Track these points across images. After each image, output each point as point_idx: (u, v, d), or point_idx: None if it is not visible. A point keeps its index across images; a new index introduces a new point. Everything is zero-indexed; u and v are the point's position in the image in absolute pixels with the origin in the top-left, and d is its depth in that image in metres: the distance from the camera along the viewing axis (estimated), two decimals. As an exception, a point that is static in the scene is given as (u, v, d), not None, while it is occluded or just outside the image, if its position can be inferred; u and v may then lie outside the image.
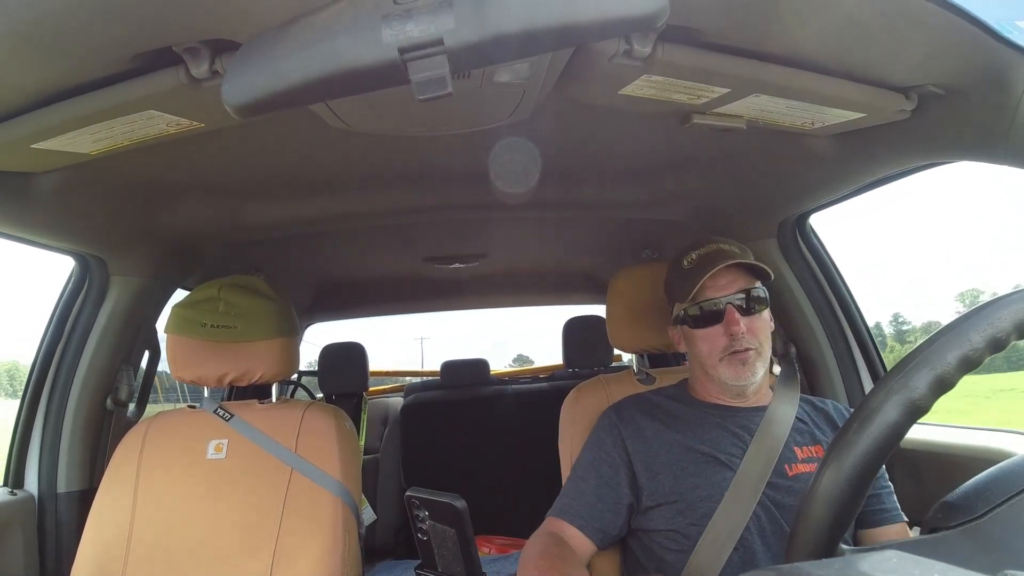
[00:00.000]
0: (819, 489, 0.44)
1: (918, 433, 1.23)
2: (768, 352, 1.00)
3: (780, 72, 0.74)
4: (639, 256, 1.84)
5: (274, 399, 1.26)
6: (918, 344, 0.45)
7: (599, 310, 2.60)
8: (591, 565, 0.98)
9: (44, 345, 1.31)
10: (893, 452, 0.44)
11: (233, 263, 1.66)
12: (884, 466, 0.54)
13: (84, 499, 1.26)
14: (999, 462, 0.46)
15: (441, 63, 0.45)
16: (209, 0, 0.56)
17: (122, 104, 0.70)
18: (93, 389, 1.33)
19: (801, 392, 1.05)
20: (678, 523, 0.93)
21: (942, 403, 0.44)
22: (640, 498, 0.97)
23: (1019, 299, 0.43)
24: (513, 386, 2.59)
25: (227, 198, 1.28)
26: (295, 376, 2.58)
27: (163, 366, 1.47)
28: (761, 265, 0.98)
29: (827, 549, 0.44)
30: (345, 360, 2.38)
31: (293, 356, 1.23)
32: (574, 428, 1.15)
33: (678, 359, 1.42)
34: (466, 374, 2.56)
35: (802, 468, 0.94)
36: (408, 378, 3.24)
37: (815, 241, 1.39)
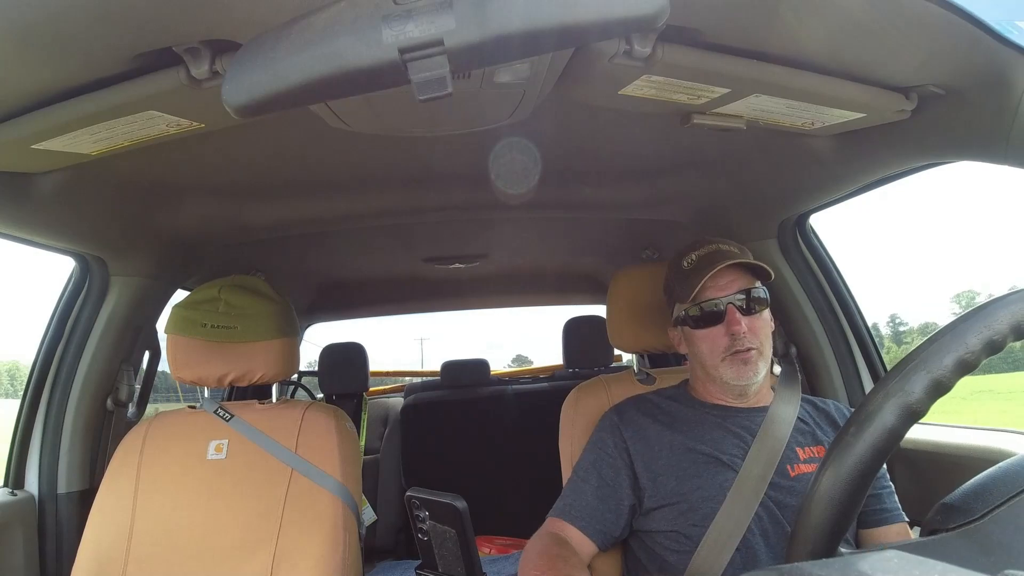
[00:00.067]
0: (818, 492, 0.44)
1: (918, 433, 1.23)
2: (769, 352, 1.00)
3: (780, 72, 0.74)
4: (639, 256, 1.83)
5: (274, 399, 1.26)
6: (916, 346, 0.45)
7: (599, 310, 2.60)
8: (592, 566, 0.98)
9: (44, 345, 1.31)
10: (893, 453, 0.44)
11: (233, 263, 1.66)
12: (885, 466, 0.54)
13: (84, 499, 1.26)
14: (999, 462, 0.46)
15: (441, 63, 0.46)
16: (209, 1, 0.56)
17: (122, 104, 0.70)
18: (93, 389, 1.33)
19: (801, 392, 1.05)
20: (680, 524, 0.93)
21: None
22: (642, 499, 0.97)
23: (1015, 300, 0.43)
24: (513, 386, 2.59)
25: (227, 198, 1.28)
26: (295, 376, 2.58)
27: (163, 366, 1.47)
28: (761, 264, 0.98)
29: (827, 550, 0.44)
30: (345, 360, 2.38)
31: (293, 356, 1.23)
32: (574, 428, 1.15)
33: (678, 359, 1.43)
34: (466, 374, 2.56)
35: (804, 468, 0.94)
36: (408, 378, 3.25)
37: (815, 241, 1.39)
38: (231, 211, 1.31)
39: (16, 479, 1.29)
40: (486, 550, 2.08)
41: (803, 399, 1.03)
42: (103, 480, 1.14)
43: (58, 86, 0.68)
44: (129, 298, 1.33)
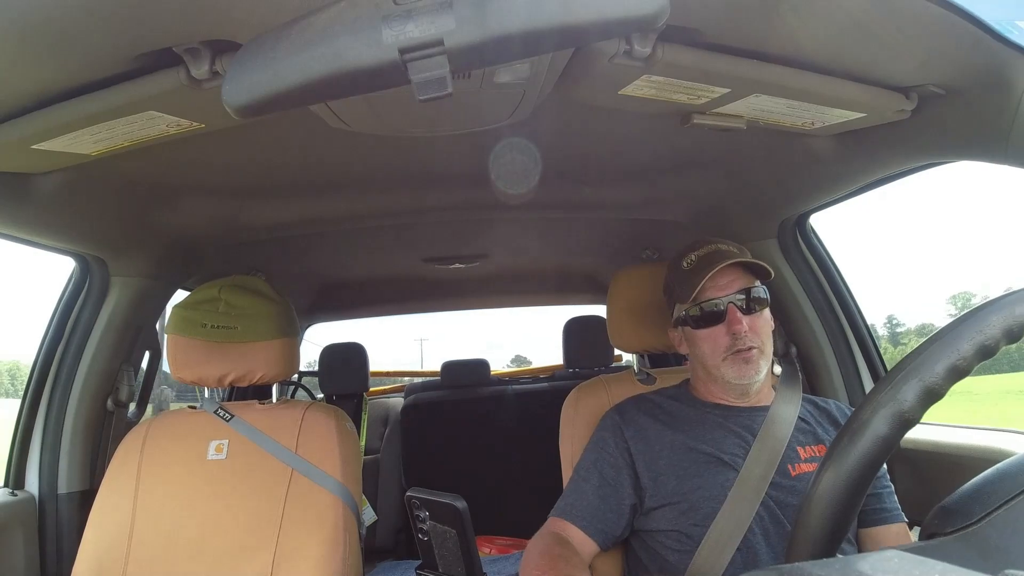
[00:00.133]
0: (816, 495, 0.44)
1: (918, 433, 1.23)
2: (770, 351, 1.00)
3: (780, 72, 0.74)
4: (639, 256, 1.83)
5: (274, 399, 1.26)
6: (911, 349, 0.45)
7: (599, 310, 2.60)
8: (593, 566, 0.98)
9: (45, 346, 1.31)
10: (892, 453, 0.44)
11: (233, 263, 1.66)
12: (885, 466, 0.54)
13: (85, 500, 1.26)
14: (999, 462, 0.46)
15: (441, 63, 0.46)
16: (209, 1, 0.56)
17: (123, 105, 0.70)
18: (94, 390, 1.33)
19: (802, 392, 1.05)
20: (681, 524, 0.93)
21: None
22: (643, 499, 0.97)
23: (1006, 304, 0.43)
24: (513, 386, 2.59)
25: (227, 198, 1.28)
26: (295, 376, 2.58)
27: (165, 367, 1.47)
28: (761, 263, 0.98)
29: (827, 552, 0.44)
30: (345, 360, 2.38)
31: (293, 357, 1.23)
32: (575, 428, 1.15)
33: (679, 359, 1.43)
34: (466, 374, 2.56)
35: (805, 468, 0.94)
36: (408, 378, 3.25)
37: (815, 241, 1.39)
38: (231, 211, 1.31)
39: (16, 479, 1.29)
40: (486, 550, 2.08)
41: (804, 399, 1.03)
42: (103, 480, 1.14)
43: (58, 86, 0.68)
44: (129, 298, 1.33)
